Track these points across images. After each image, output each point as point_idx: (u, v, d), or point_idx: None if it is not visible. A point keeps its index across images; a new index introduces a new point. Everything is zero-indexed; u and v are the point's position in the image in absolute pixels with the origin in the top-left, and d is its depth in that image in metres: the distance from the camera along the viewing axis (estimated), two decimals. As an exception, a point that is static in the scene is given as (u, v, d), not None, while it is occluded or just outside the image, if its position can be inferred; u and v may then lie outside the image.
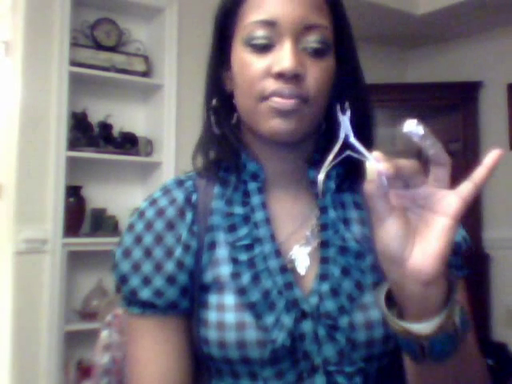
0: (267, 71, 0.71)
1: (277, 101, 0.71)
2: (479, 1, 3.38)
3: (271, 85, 0.71)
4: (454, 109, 3.92)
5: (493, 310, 3.75)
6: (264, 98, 0.72)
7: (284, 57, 0.70)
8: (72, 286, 2.75)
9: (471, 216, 3.76)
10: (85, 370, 2.59)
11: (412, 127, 0.52)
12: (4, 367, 2.51)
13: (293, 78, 0.70)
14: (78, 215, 2.76)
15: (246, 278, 0.72)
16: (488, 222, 3.83)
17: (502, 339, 3.59)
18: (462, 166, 3.89)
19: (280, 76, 0.70)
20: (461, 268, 0.77)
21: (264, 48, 0.72)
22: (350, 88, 0.78)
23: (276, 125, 0.72)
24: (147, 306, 0.75)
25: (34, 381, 2.52)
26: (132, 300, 0.76)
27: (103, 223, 2.82)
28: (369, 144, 0.79)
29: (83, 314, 2.71)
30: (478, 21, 3.72)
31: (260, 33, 0.72)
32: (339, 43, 0.76)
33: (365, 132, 0.77)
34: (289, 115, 0.71)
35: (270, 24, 0.71)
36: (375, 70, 3.77)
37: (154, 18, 3.08)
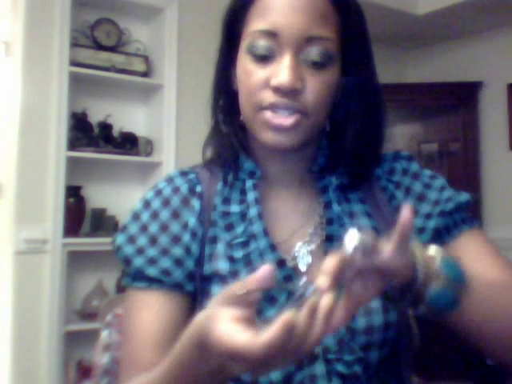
0: (266, 82, 0.72)
1: (270, 118, 0.71)
2: (479, 1, 3.38)
3: (269, 97, 0.72)
4: (454, 109, 3.91)
5: (493, 310, 3.75)
6: (262, 108, 0.72)
7: (282, 71, 0.70)
8: (72, 286, 2.75)
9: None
10: (85, 370, 2.59)
11: (352, 240, 0.52)
12: (4, 367, 2.51)
13: (290, 92, 0.70)
14: (78, 215, 2.76)
15: (243, 275, 0.73)
16: (488, 222, 3.83)
17: (502, 339, 3.59)
18: (462, 165, 3.90)
19: (277, 90, 0.71)
20: (472, 220, 0.80)
21: (265, 58, 0.72)
22: (358, 94, 0.78)
23: (270, 138, 0.73)
24: (154, 281, 0.75)
25: (34, 381, 2.52)
26: (138, 276, 0.76)
27: (103, 223, 2.81)
28: (378, 144, 0.81)
29: (83, 314, 2.71)
30: (478, 21, 3.71)
31: (261, 43, 0.72)
32: (348, 50, 0.76)
33: (374, 133, 0.79)
34: (284, 131, 0.72)
35: (271, 34, 0.71)
36: (375, 69, 3.76)
37: (154, 18, 3.07)
